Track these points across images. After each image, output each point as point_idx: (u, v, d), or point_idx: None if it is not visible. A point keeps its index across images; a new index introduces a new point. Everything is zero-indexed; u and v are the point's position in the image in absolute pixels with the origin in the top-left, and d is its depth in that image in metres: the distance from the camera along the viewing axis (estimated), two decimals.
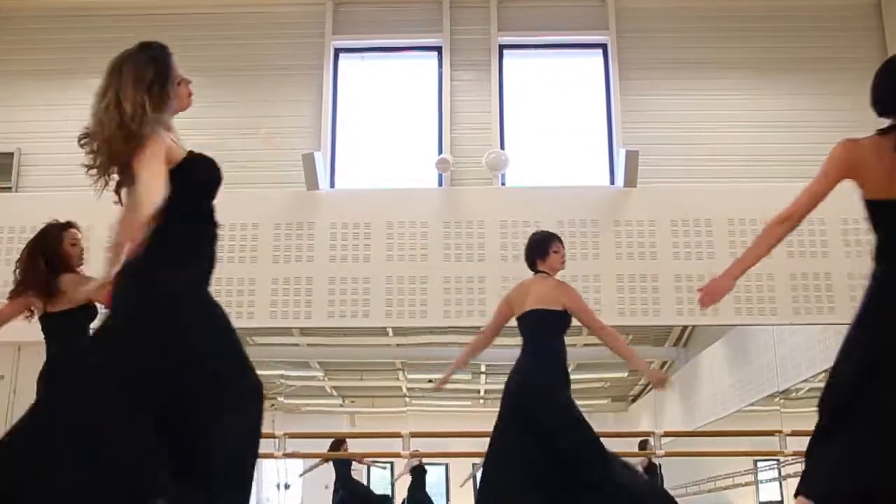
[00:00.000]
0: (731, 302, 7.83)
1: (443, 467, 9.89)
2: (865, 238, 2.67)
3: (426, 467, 9.24)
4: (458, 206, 8.16)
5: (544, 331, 4.43)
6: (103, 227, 7.61)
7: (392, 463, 9.69)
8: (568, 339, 4.46)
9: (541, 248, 4.64)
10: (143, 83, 2.57)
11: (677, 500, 4.45)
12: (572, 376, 4.41)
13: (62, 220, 4.49)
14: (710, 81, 8.59)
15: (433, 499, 9.61)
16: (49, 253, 4.28)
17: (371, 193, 8.35)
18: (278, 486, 10.05)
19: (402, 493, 9.55)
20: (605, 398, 10.75)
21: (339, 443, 7.99)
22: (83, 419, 2.36)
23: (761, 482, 9.70)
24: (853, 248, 7.57)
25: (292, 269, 7.97)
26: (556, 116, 8.72)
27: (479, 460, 8.72)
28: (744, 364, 9.33)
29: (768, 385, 8.71)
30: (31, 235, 4.41)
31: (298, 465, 9.34)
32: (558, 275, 4.63)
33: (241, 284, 7.96)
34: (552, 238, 4.66)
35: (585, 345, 9.23)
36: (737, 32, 8.64)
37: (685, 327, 9.13)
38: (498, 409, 4.35)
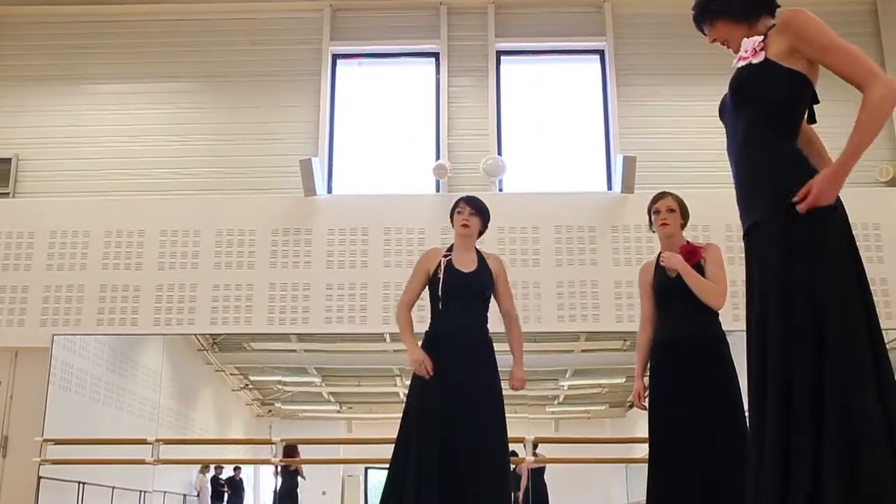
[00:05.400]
0: (730, 308, 7.81)
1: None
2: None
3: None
4: None
5: None
6: (99, 231, 7.63)
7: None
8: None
9: None
10: None
11: None
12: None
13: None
14: (707, 87, 8.56)
15: None
16: None
17: (368, 199, 8.35)
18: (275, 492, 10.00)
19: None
20: (602, 404, 10.72)
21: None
22: None
23: None
24: None
25: (290, 274, 7.97)
26: (554, 122, 8.73)
27: None
28: (742, 370, 9.31)
29: None
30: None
31: None
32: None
33: (239, 290, 7.96)
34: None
35: (583, 351, 9.24)
36: None
37: None
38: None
